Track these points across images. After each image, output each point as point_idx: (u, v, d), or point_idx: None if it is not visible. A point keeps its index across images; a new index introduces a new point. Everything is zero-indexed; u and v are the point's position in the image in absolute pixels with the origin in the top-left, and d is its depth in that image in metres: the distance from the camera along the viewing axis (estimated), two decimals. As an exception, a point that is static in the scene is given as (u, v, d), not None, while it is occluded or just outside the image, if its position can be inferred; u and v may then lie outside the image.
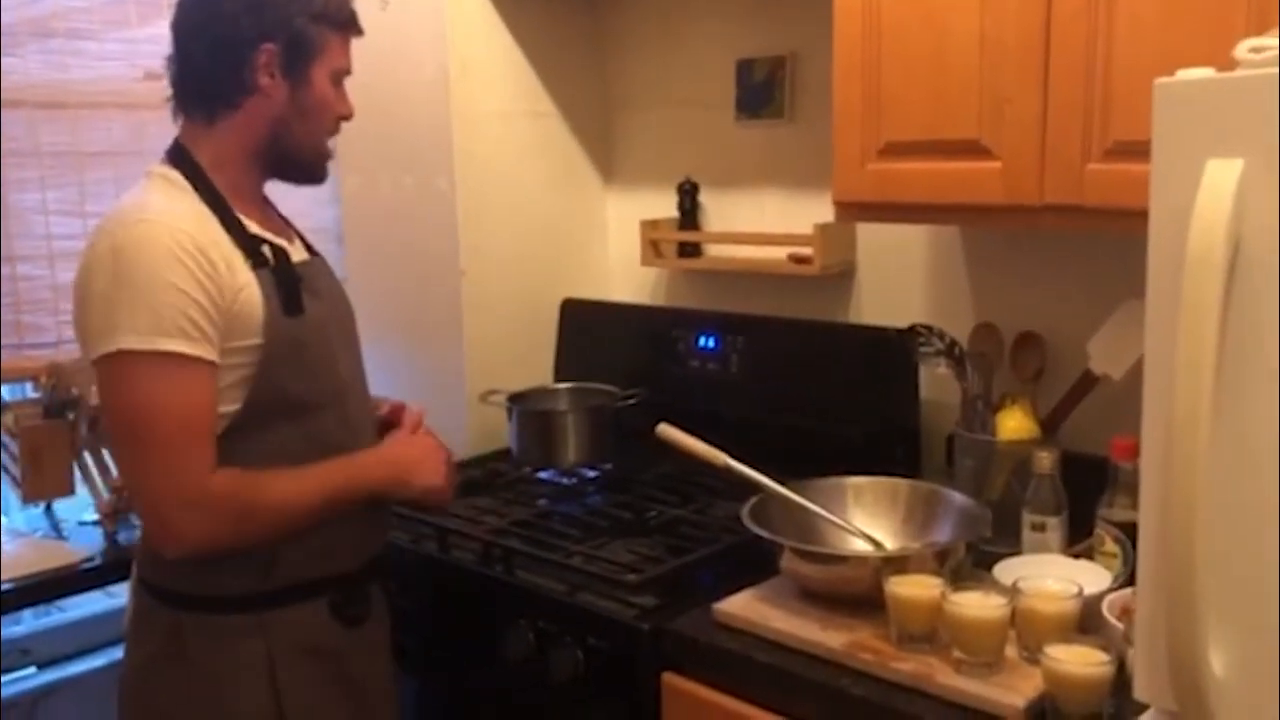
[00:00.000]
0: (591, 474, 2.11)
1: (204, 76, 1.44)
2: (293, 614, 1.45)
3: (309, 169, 1.52)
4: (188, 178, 1.43)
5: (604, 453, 2.12)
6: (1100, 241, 1.73)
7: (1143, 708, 1.08)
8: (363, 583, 1.54)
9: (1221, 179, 0.91)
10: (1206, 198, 0.91)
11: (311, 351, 1.45)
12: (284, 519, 1.40)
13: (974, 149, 1.51)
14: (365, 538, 1.54)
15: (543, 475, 2.11)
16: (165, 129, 2.17)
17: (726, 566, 1.65)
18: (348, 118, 1.53)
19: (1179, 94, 0.95)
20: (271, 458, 1.41)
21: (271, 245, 1.45)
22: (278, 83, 1.43)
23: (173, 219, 1.36)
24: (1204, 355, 0.92)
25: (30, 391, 2.02)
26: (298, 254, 1.53)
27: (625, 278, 2.43)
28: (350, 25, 1.50)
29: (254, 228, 1.45)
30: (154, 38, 2.16)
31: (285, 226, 1.57)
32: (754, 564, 1.58)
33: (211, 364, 1.35)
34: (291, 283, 1.44)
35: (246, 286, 1.39)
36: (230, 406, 1.39)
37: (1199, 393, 0.92)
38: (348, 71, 1.51)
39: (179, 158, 1.45)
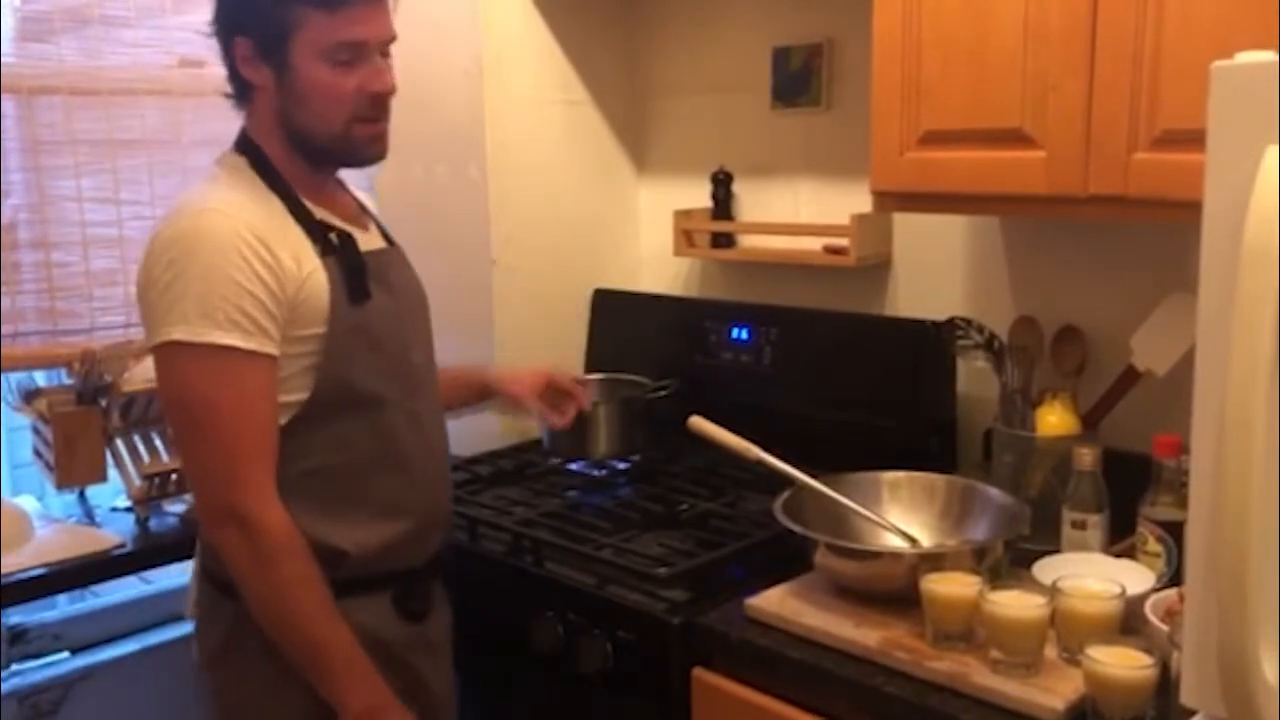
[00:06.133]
0: (622, 466, 2.09)
1: (227, 74, 1.44)
2: (356, 607, 1.42)
3: (336, 154, 1.45)
4: (253, 165, 1.42)
5: (635, 444, 2.10)
6: (1144, 233, 1.69)
7: (1188, 713, 1.05)
8: (425, 579, 1.53)
9: (1280, 167, 0.88)
10: (1265, 186, 0.88)
11: (377, 342, 1.43)
12: (284, 613, 1.35)
13: (1017, 137, 1.48)
14: (428, 537, 1.53)
15: (573, 467, 2.10)
16: (199, 116, 2.19)
17: (758, 561, 1.63)
18: (379, 94, 1.41)
19: (1237, 78, 0.91)
20: (337, 450, 1.41)
21: (339, 232, 1.43)
22: (264, 73, 1.39)
23: (235, 209, 1.35)
24: (1260, 350, 0.88)
25: (64, 378, 2.03)
26: (372, 242, 1.50)
27: (657, 268, 2.41)
28: None
29: (321, 214, 1.43)
30: (188, 25, 2.16)
31: (360, 214, 1.54)
32: (786, 559, 1.56)
33: (269, 357, 1.33)
34: (357, 269, 1.41)
35: (313, 274, 1.37)
36: (298, 395, 1.38)
37: (1254, 389, 0.89)
38: (350, 44, 1.37)
39: (244, 145, 1.44)
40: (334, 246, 1.41)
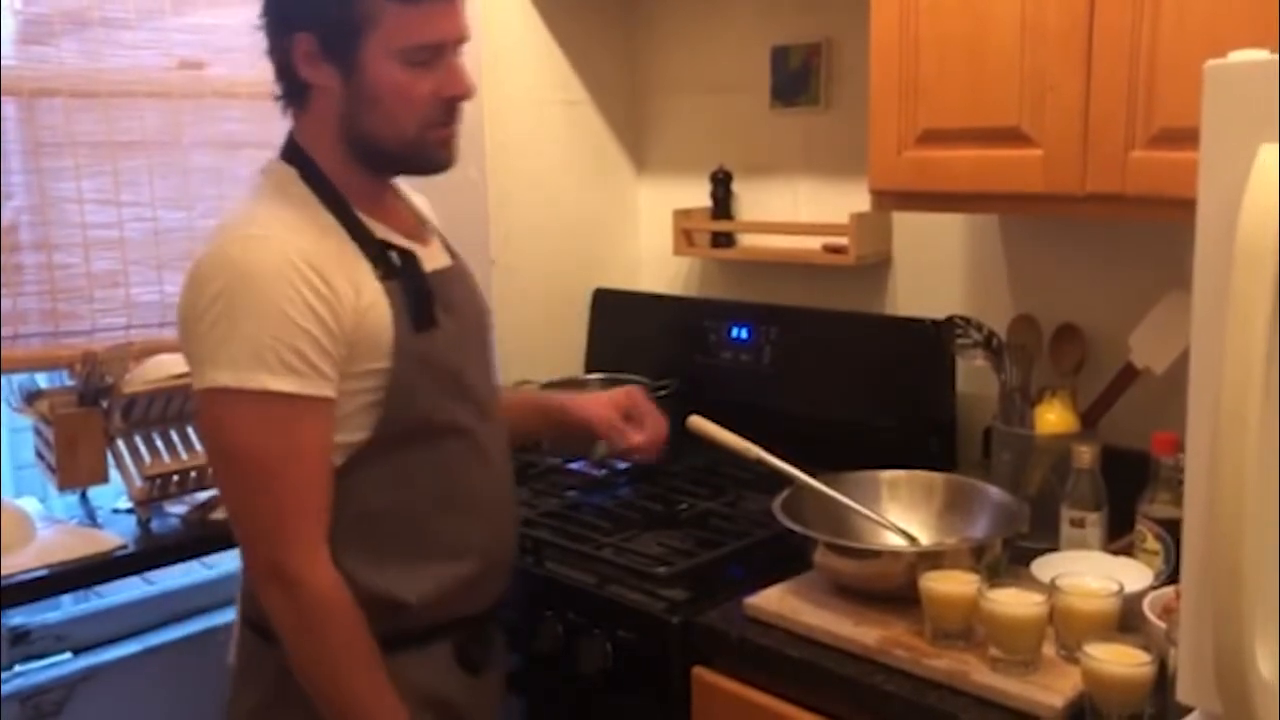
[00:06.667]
0: (622, 465, 2.09)
1: (275, 73, 1.29)
2: (414, 662, 1.32)
3: (404, 162, 1.32)
4: (304, 177, 1.28)
5: (635, 444, 2.10)
6: (1143, 231, 1.69)
7: (1185, 710, 1.05)
8: (486, 623, 1.43)
9: (1274, 165, 0.88)
10: (1258, 184, 0.88)
11: (442, 372, 1.30)
12: (328, 678, 1.24)
13: (1014, 136, 1.48)
14: (494, 579, 1.43)
15: (573, 466, 2.10)
16: (199, 118, 2.19)
17: (758, 560, 1.63)
18: (454, 98, 1.28)
19: (1230, 77, 0.92)
20: (398, 490, 1.29)
21: (400, 251, 1.30)
22: (327, 73, 1.24)
23: (286, 231, 1.22)
24: (1253, 348, 0.89)
25: (66, 379, 2.03)
26: (436, 259, 1.37)
27: (657, 267, 2.42)
28: None
29: (381, 231, 1.30)
30: (188, 27, 2.16)
31: (420, 226, 1.40)
32: (786, 558, 1.56)
33: (326, 401, 1.21)
34: (422, 293, 1.28)
35: (375, 304, 1.24)
36: (357, 435, 1.26)
37: (1248, 387, 0.89)
38: (429, 45, 1.24)
39: (293, 153, 1.30)
40: (396, 269, 1.27)
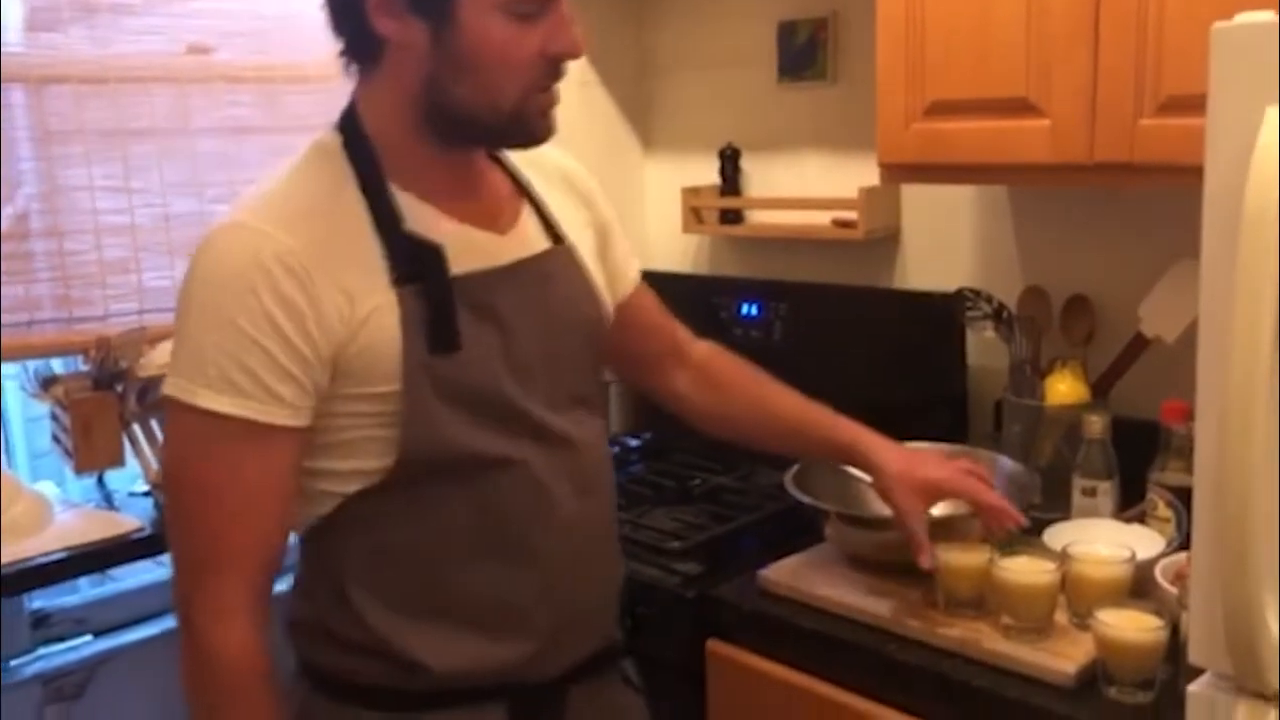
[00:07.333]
0: (634, 442, 2.11)
1: (334, 26, 1.08)
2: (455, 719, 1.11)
3: (498, 134, 1.10)
4: (347, 148, 1.08)
5: (647, 421, 2.11)
6: (1152, 200, 1.69)
7: (1197, 672, 1.05)
8: (562, 684, 1.16)
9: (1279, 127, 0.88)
10: (1265, 146, 0.88)
11: (473, 396, 1.07)
12: None
13: (1022, 106, 1.48)
14: (567, 649, 1.16)
15: (585, 444, 2.11)
16: (207, 103, 2.19)
17: (770, 533, 1.65)
18: (562, 55, 1.06)
19: (1237, 39, 0.92)
20: (419, 522, 1.08)
21: (428, 247, 1.06)
22: (410, 26, 1.02)
23: (278, 222, 1.02)
24: (1262, 313, 0.89)
25: (80, 364, 2.05)
26: (507, 249, 1.12)
27: (666, 246, 2.42)
28: None
29: (419, 217, 1.07)
30: (194, 12, 2.17)
31: (509, 202, 1.17)
32: (798, 531, 1.57)
33: (281, 430, 1.02)
34: (440, 307, 1.05)
35: (377, 315, 1.03)
36: (370, 463, 1.06)
37: (1256, 352, 0.90)
38: None
39: (345, 121, 1.11)
40: (416, 270, 1.05)
